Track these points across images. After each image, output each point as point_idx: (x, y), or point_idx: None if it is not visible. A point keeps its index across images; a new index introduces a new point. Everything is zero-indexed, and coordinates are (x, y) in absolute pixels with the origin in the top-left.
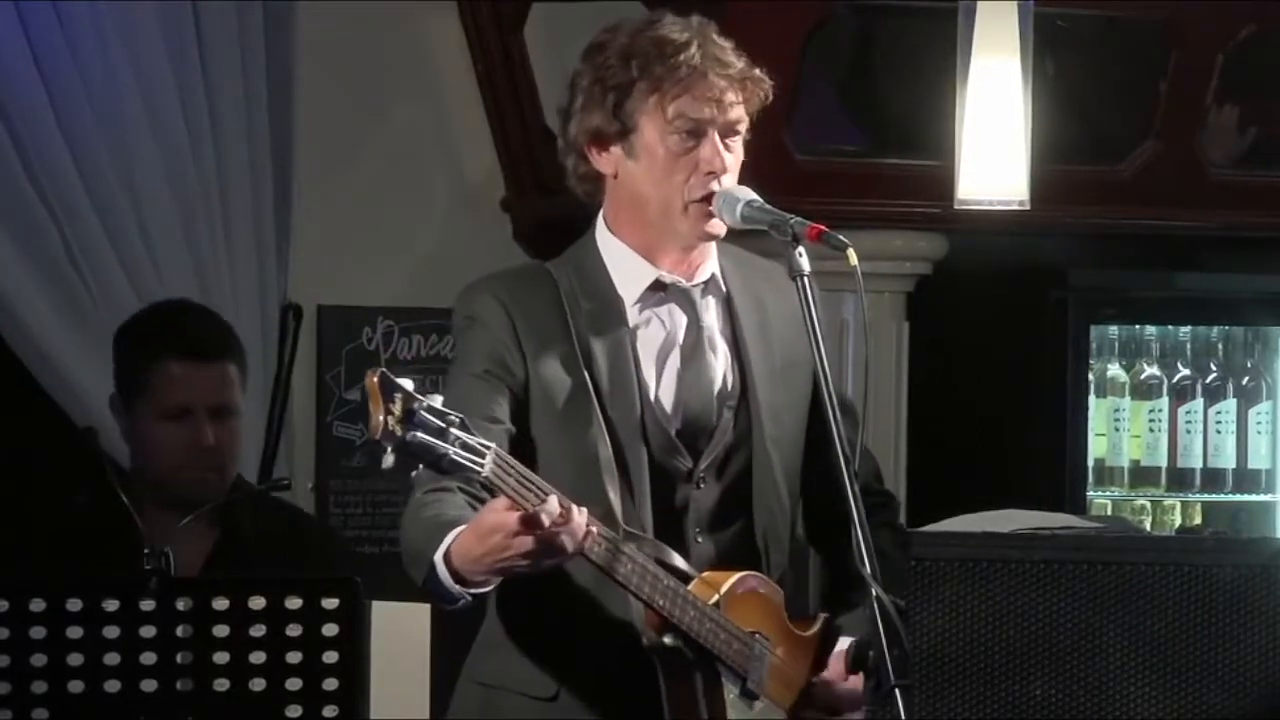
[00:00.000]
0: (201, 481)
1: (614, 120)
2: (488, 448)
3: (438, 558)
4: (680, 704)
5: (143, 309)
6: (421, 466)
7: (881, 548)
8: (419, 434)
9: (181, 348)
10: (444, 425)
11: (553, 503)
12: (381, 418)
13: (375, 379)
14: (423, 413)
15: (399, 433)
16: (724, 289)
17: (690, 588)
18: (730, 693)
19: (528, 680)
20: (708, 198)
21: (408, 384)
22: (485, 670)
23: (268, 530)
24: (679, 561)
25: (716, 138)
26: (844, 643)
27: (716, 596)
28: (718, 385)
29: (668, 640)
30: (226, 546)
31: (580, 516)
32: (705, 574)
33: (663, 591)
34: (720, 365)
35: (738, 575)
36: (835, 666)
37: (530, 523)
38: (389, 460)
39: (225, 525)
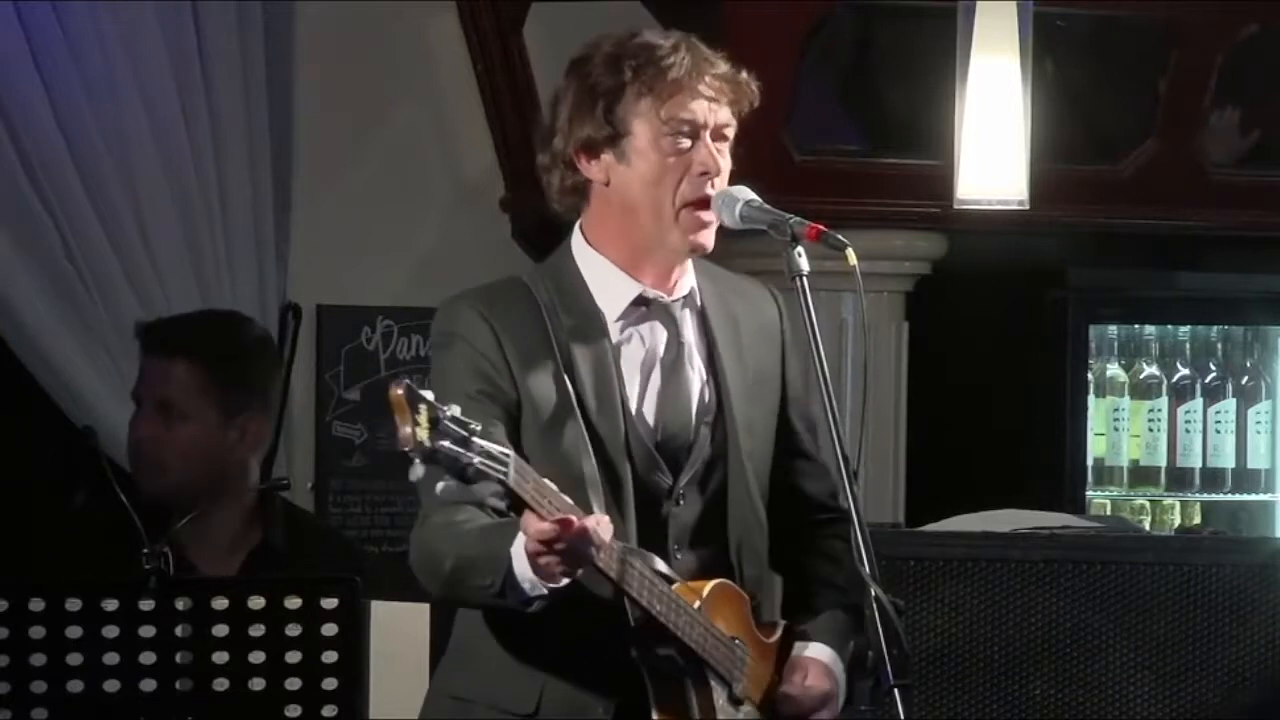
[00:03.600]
0: (141, 473)
1: (605, 125)
2: (509, 455)
3: (515, 550)
4: (671, 712)
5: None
6: (449, 480)
7: (836, 555)
8: (446, 443)
9: (146, 342)
10: (467, 434)
11: (574, 519)
12: (409, 429)
13: (401, 391)
14: (447, 422)
15: (427, 443)
16: (700, 304)
17: (674, 589)
18: (719, 698)
19: (506, 695)
20: (701, 202)
21: (429, 394)
22: (459, 683)
23: (297, 545)
24: (664, 568)
25: (709, 139)
26: (805, 650)
27: (699, 602)
28: (695, 401)
29: (659, 650)
30: (257, 559)
31: (607, 526)
32: (684, 582)
33: (660, 597)
34: (698, 381)
35: (713, 582)
36: (795, 675)
37: (554, 533)
38: (419, 472)
39: (256, 538)
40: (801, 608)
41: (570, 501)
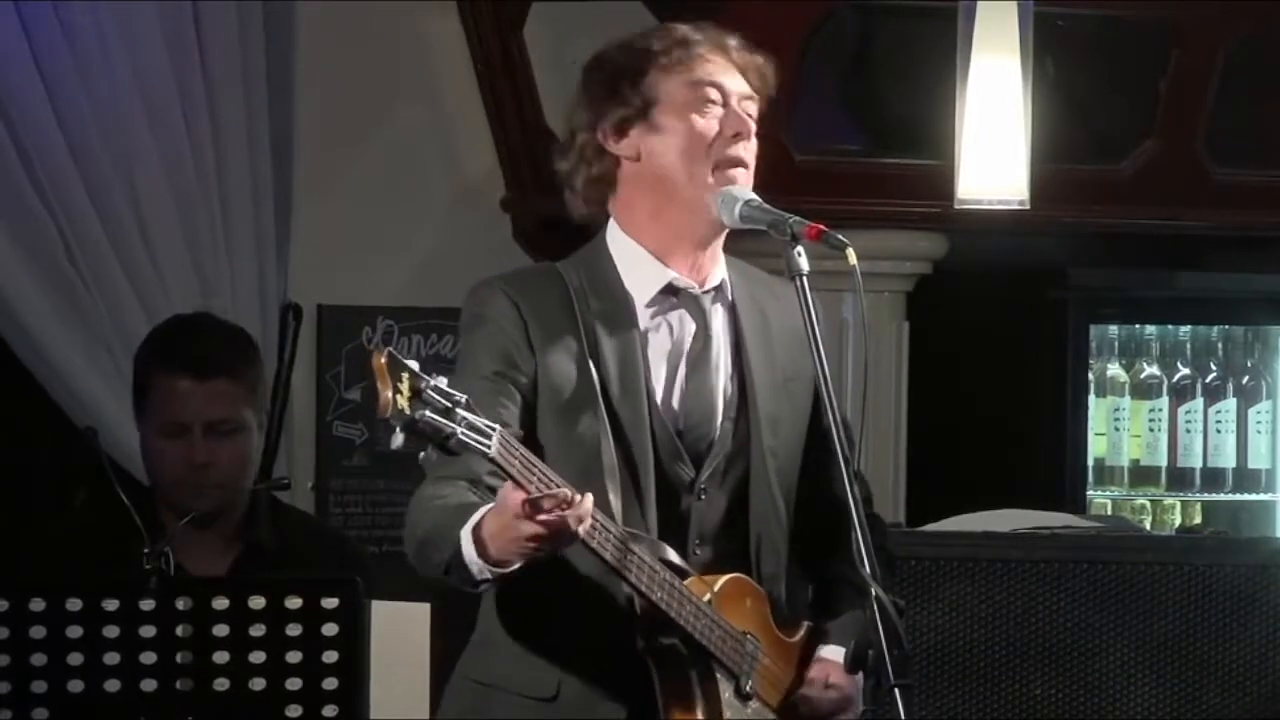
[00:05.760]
0: (199, 497)
1: (634, 97)
2: (493, 429)
3: (465, 532)
4: (676, 703)
5: (161, 323)
6: (430, 450)
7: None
8: (427, 413)
9: (177, 364)
10: (450, 405)
11: (560, 490)
12: (390, 395)
13: (383, 359)
14: (430, 392)
15: (408, 411)
16: (730, 298)
17: (685, 584)
18: (725, 691)
19: (527, 680)
20: (731, 162)
21: (414, 364)
22: (482, 669)
23: (289, 543)
24: (675, 558)
25: (736, 104)
26: (824, 650)
27: (709, 595)
28: (720, 394)
29: (664, 640)
30: (248, 559)
31: (586, 501)
32: (697, 575)
33: (661, 584)
34: (723, 374)
35: (728, 576)
36: (815, 675)
37: (534, 507)
38: (399, 440)
39: (247, 538)
40: (827, 609)
41: (559, 478)
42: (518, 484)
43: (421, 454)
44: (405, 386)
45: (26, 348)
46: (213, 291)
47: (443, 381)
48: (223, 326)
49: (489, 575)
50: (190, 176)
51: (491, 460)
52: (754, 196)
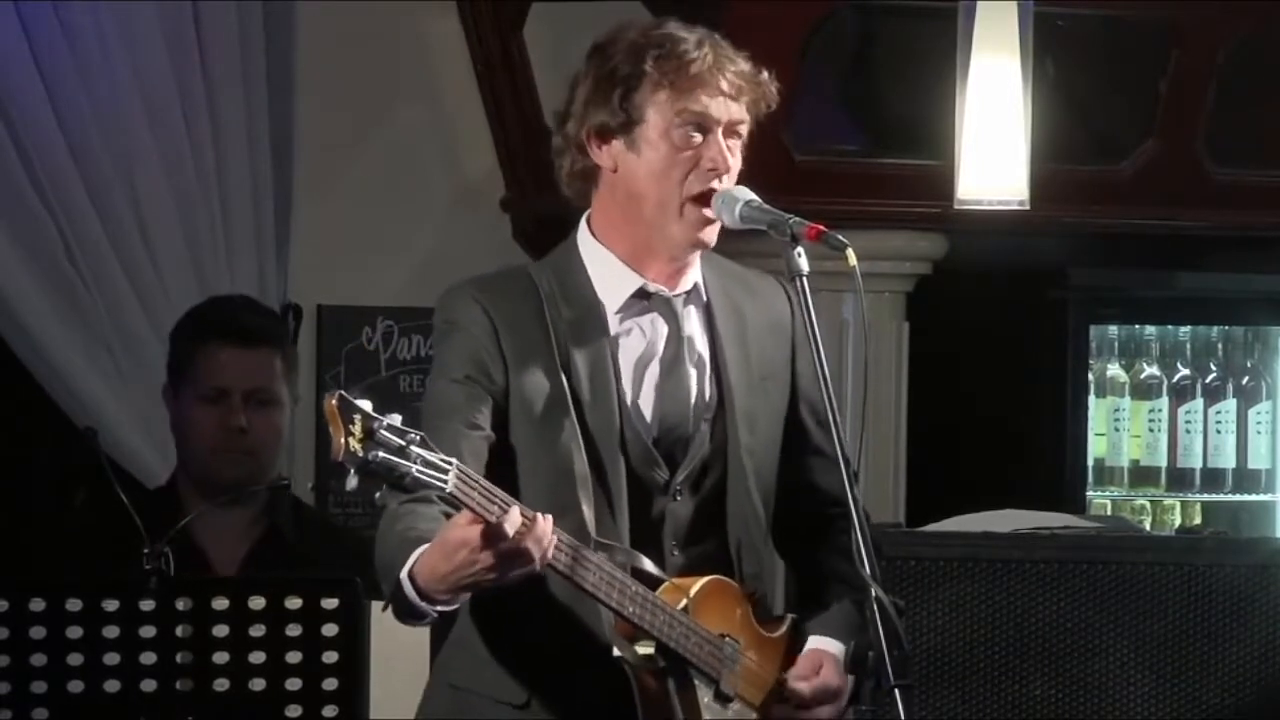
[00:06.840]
0: (233, 464)
1: (620, 112)
2: (449, 463)
3: (403, 575)
4: (654, 711)
5: (200, 303)
6: (385, 491)
7: (850, 550)
8: (380, 453)
9: (221, 333)
10: (404, 443)
11: (514, 513)
12: (343, 440)
13: (333, 402)
14: (383, 431)
15: (361, 453)
16: (704, 298)
17: (658, 593)
18: (704, 696)
19: (500, 685)
20: (705, 196)
21: (366, 404)
22: (457, 672)
23: (306, 538)
24: (651, 568)
25: (720, 136)
26: (813, 641)
27: (685, 600)
28: (695, 396)
29: (639, 649)
30: (269, 541)
31: (544, 524)
32: (673, 580)
33: (631, 598)
34: (698, 376)
35: (705, 579)
36: (802, 665)
37: (494, 536)
38: (353, 482)
39: (270, 518)
40: (814, 602)
41: (521, 506)
42: (478, 515)
43: (376, 494)
44: (357, 428)
45: (26, 348)
46: (213, 292)
47: (396, 419)
48: (261, 305)
49: (434, 613)
50: (190, 176)
51: (450, 496)
52: (754, 197)
